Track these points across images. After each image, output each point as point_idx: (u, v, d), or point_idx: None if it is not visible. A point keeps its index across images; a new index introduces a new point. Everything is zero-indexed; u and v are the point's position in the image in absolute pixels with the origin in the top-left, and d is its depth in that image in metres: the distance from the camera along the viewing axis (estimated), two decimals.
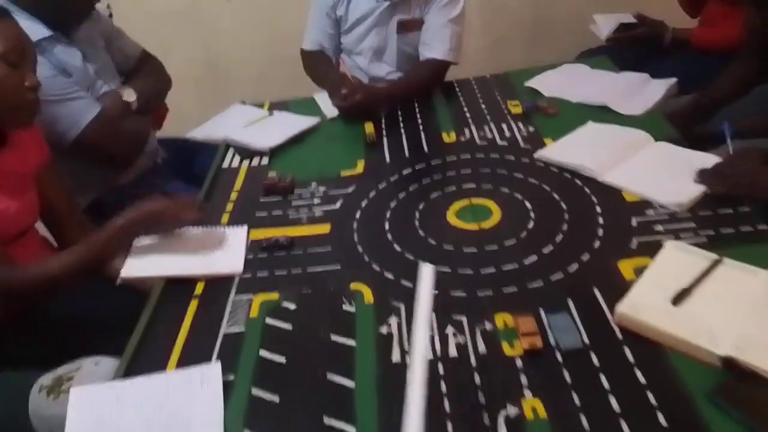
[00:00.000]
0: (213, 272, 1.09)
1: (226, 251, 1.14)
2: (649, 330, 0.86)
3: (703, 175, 1.12)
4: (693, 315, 0.85)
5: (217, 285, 1.08)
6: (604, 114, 1.43)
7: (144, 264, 1.10)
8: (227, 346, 0.95)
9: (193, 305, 1.04)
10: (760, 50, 1.64)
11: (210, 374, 0.87)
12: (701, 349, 0.81)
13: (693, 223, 1.06)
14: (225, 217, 1.27)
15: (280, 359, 0.91)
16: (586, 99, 1.51)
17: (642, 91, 1.52)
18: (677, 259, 0.97)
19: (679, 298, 0.88)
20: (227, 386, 0.87)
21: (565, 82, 1.61)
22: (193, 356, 0.93)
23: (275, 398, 0.85)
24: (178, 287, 1.08)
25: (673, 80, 1.53)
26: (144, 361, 0.94)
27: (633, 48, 1.98)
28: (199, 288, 1.07)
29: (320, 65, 1.79)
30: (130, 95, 1.53)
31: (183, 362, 0.93)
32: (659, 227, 1.07)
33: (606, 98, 1.48)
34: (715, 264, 0.94)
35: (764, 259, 0.93)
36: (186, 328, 0.99)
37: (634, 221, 1.09)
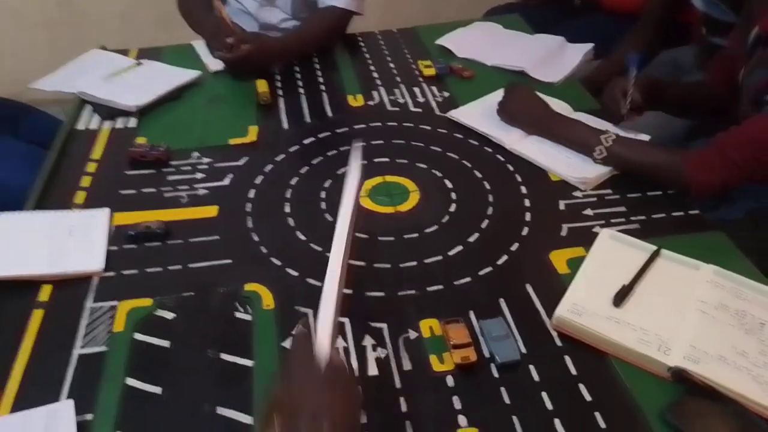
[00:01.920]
0: (63, 271, 0.85)
1: (81, 242, 0.90)
2: (591, 337, 0.76)
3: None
4: (637, 318, 0.77)
5: (69, 288, 0.84)
6: (520, 80, 1.32)
7: None
8: (83, 373, 0.73)
9: (37, 317, 0.80)
10: (662, 16, 1.61)
11: (59, 417, 0.66)
12: (650, 359, 0.73)
13: (623, 206, 0.99)
14: (80, 196, 1.01)
15: (155, 389, 0.72)
16: (501, 62, 1.39)
17: (559, 56, 1.42)
18: (613, 250, 0.88)
19: (620, 298, 0.80)
20: (83, 429, 0.66)
21: (479, 43, 1.47)
22: (36, 389, 0.71)
23: None
24: (16, 293, 0.83)
25: (589, 46, 1.45)
26: None
27: (542, 7, 1.89)
28: (45, 293, 0.84)
29: (197, 6, 1.51)
30: None
31: (22, 399, 0.70)
32: (589, 211, 0.98)
33: (523, 63, 1.37)
34: (653, 256, 0.86)
35: (701, 250, 0.88)
36: (26, 349, 0.76)
37: (561, 204, 1.00)
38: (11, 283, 0.84)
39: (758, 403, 0.68)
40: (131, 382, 0.73)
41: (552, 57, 1.41)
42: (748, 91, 1.08)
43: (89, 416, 0.69)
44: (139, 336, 0.78)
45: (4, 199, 0.99)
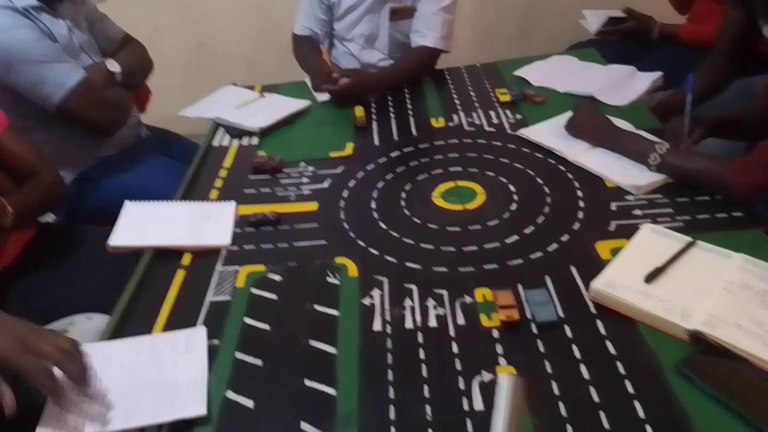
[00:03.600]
0: (201, 244, 1.11)
1: (214, 224, 1.16)
2: (621, 306, 0.88)
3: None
4: (665, 293, 0.88)
5: (205, 256, 1.10)
6: (589, 104, 1.46)
7: (133, 233, 1.12)
8: (213, 313, 0.97)
9: (180, 275, 1.06)
10: (733, 48, 1.66)
11: (195, 337, 0.89)
12: (671, 323, 0.84)
13: (670, 208, 1.09)
14: (214, 193, 1.29)
15: (265, 326, 0.94)
16: (572, 89, 1.54)
17: (628, 83, 1.55)
18: (653, 241, 1.00)
19: (652, 277, 0.91)
20: (212, 350, 0.89)
21: (553, 73, 1.64)
22: (180, 321, 0.95)
23: (258, 362, 0.87)
24: (166, 258, 1.10)
25: (658, 73, 1.56)
26: (132, 324, 0.96)
27: (621, 42, 2.01)
28: (187, 259, 1.09)
29: (305, 51, 1.81)
30: (114, 66, 1.57)
31: (169, 326, 0.95)
32: (638, 212, 1.10)
33: (592, 89, 1.51)
34: (689, 246, 0.97)
35: (738, 245, 0.96)
36: (173, 295, 1.01)
37: (613, 206, 1.12)
38: (163, 251, 1.11)
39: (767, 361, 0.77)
40: (248, 320, 0.95)
41: (621, 83, 1.54)
42: None
43: (216, 341, 0.91)
44: (254, 290, 1.01)
45: (156, 199, 1.27)
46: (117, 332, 0.94)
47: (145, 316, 0.97)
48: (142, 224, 1.15)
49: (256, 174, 1.34)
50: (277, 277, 1.03)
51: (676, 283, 0.91)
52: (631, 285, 0.91)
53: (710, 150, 1.35)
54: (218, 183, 1.33)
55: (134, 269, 1.07)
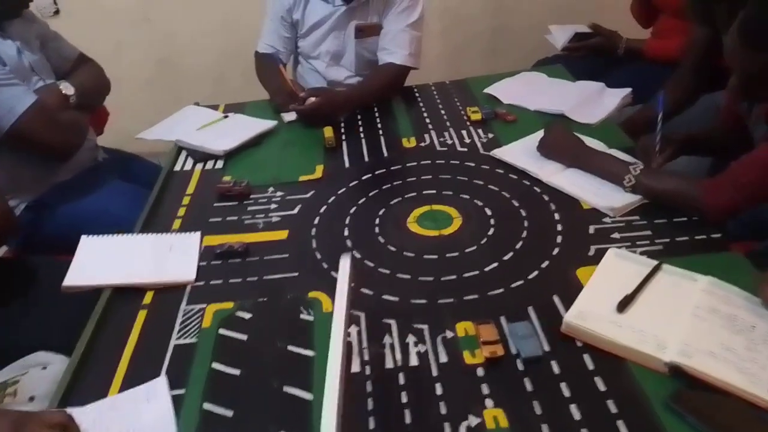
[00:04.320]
0: (163, 280, 1.04)
1: (178, 258, 1.09)
2: (595, 339, 0.86)
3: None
4: (638, 322, 0.86)
5: (168, 294, 1.03)
6: (560, 122, 1.44)
7: (89, 272, 1.04)
8: (178, 358, 0.90)
9: (142, 316, 0.99)
10: (699, 64, 1.68)
11: (156, 390, 0.83)
12: (648, 356, 0.81)
13: (649, 230, 1.08)
14: (176, 223, 1.22)
15: (234, 371, 0.88)
16: (543, 107, 1.52)
17: (597, 100, 1.54)
18: (618, 266, 0.98)
19: (623, 305, 0.89)
20: (177, 401, 0.83)
21: (523, 90, 1.62)
22: (142, 369, 0.89)
23: (228, 413, 0.81)
24: (126, 296, 1.03)
25: (627, 90, 1.56)
26: (90, 373, 0.89)
27: (587, 57, 2.01)
28: (149, 297, 1.02)
29: (267, 69, 1.75)
30: (68, 88, 1.48)
31: (130, 375, 0.88)
32: (616, 235, 1.08)
33: (563, 107, 1.49)
34: (655, 270, 0.95)
35: (716, 266, 0.95)
36: (134, 339, 0.94)
37: (591, 229, 1.10)
38: (122, 289, 1.04)
39: (743, 389, 0.76)
40: (216, 365, 0.89)
41: (591, 101, 1.53)
42: (757, 136, 1.16)
43: (181, 391, 0.85)
44: (222, 331, 0.95)
45: (116, 226, 1.21)
46: (74, 381, 0.87)
47: (104, 364, 0.90)
48: (100, 261, 1.07)
49: (221, 201, 1.28)
50: (246, 315, 0.97)
51: (646, 310, 0.89)
52: (602, 316, 0.88)
53: (678, 166, 1.35)
54: (181, 211, 1.26)
55: (94, 306, 1.00)
